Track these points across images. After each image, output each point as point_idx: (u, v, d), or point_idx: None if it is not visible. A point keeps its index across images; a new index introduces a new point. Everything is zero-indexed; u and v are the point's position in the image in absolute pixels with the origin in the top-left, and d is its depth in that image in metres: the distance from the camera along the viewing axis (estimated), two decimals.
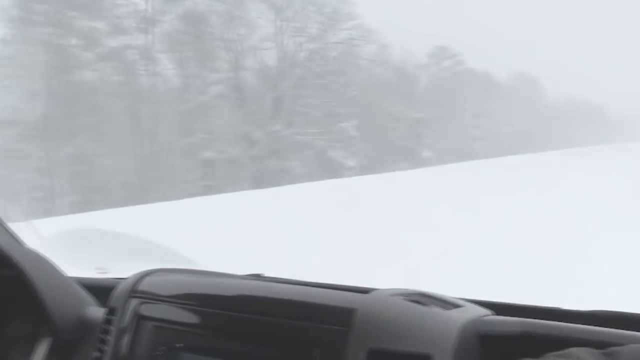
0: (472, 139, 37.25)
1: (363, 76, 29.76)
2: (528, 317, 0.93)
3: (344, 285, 1.07)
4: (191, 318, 0.99)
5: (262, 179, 22.67)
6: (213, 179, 20.84)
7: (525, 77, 50.41)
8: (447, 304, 0.98)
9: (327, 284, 1.09)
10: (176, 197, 18.71)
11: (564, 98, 59.11)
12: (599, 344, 0.81)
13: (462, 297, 1.04)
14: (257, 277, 1.19)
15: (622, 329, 0.87)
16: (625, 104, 69.83)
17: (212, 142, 20.95)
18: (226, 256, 5.11)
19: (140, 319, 1.04)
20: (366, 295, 0.95)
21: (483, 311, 0.99)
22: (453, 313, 0.94)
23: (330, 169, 25.12)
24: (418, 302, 0.93)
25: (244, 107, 22.81)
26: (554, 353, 0.80)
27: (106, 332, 1.06)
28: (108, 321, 1.07)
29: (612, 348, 0.79)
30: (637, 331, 0.86)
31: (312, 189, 19.46)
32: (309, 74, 24.62)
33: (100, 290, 1.22)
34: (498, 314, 0.99)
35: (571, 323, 0.91)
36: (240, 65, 23.29)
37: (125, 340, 1.03)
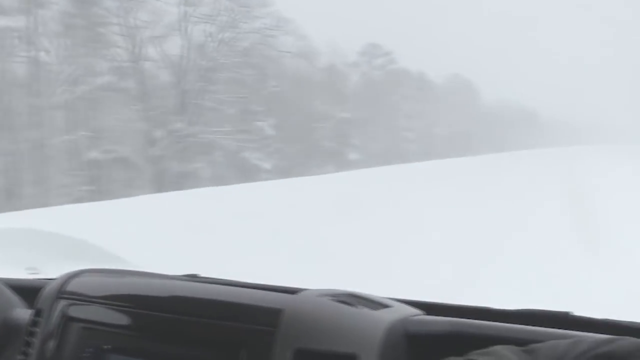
0: (404, 141, 35.70)
1: (284, 71, 27.55)
2: (458, 317, 0.96)
3: (273, 286, 1.09)
4: (120, 319, 0.99)
5: (162, 183, 20.04)
6: (99, 182, 18.06)
7: (461, 80, 49.71)
8: (376, 304, 0.99)
9: (257, 284, 1.10)
10: (52, 203, 15.84)
11: (500, 102, 59.15)
12: (521, 342, 0.85)
13: (394, 297, 1.07)
14: (193, 277, 1.18)
15: (546, 327, 0.92)
16: (558, 111, 71.44)
17: (99, 140, 18.17)
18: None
19: (67, 320, 1.03)
20: (294, 295, 0.96)
21: (412, 311, 1.02)
22: (380, 313, 0.95)
23: (244, 172, 22.73)
24: (346, 303, 0.94)
25: (142, 101, 20.12)
26: (478, 351, 0.83)
27: (32, 334, 1.05)
28: (34, 323, 1.06)
29: (533, 345, 0.84)
30: (559, 328, 0.91)
31: (220, 193, 17.20)
32: (219, 66, 22.16)
33: (28, 291, 1.18)
34: (429, 314, 1.02)
35: (499, 322, 0.95)
36: (138, 54, 20.57)
37: (52, 342, 1.03)
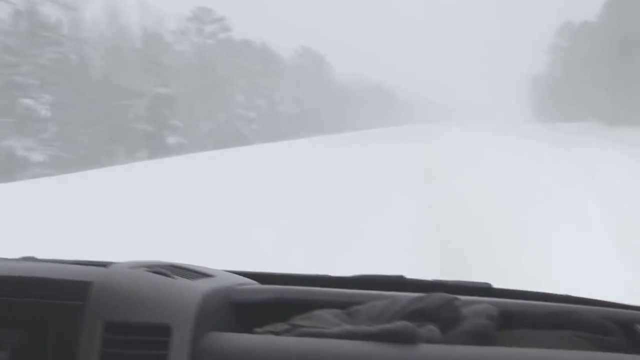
0: (242, 121, 31.06)
1: (75, 34, 21.53)
2: (290, 285, 1.00)
3: (87, 261, 1.05)
4: None
5: None
6: None
7: (311, 54, 46.10)
8: (197, 274, 0.98)
9: (75, 260, 1.06)
10: None
11: (354, 79, 56.85)
12: (344, 304, 0.92)
13: (231, 270, 1.06)
14: (29, 259, 1.12)
15: (376, 290, 0.98)
16: (414, 89, 71.75)
17: None
18: None
19: None
20: (104, 268, 0.93)
21: (238, 280, 1.01)
22: (198, 283, 0.93)
23: (6, 167, 16.71)
24: (161, 273, 0.92)
25: None
26: (300, 316, 0.88)
27: None
28: None
29: (354, 307, 0.90)
30: (393, 291, 0.97)
31: None
32: None
33: None
34: (263, 284, 1.03)
35: (333, 288, 0.99)
36: None
37: None
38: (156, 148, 22.95)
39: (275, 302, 0.93)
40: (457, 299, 0.88)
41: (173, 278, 0.90)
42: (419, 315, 0.84)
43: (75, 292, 0.84)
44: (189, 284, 0.90)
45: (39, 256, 1.13)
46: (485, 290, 1.01)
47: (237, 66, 32.36)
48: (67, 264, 0.98)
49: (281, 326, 0.85)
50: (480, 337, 0.83)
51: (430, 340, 0.80)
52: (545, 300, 0.98)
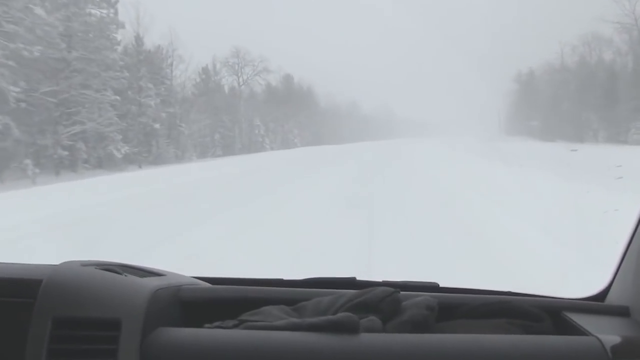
0: None
1: None
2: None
3: (41, 264, 1.04)
4: None
5: None
6: None
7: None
8: (147, 273, 1.00)
9: (30, 264, 1.05)
10: None
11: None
12: (291, 302, 0.97)
13: (196, 276, 1.09)
14: None
15: (326, 289, 1.02)
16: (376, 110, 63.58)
17: None
18: None
19: None
20: (55, 266, 0.94)
21: (188, 280, 1.05)
22: (148, 280, 0.95)
23: None
24: (112, 271, 0.93)
25: None
26: (249, 312, 0.92)
27: None
28: None
29: (302, 303, 0.95)
30: (332, 289, 1.01)
31: None
32: None
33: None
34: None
35: (285, 287, 1.04)
36: None
37: None
38: None
39: (225, 301, 0.95)
40: (398, 292, 0.91)
41: (123, 275, 0.90)
42: (362, 307, 0.87)
43: (25, 290, 0.84)
44: (139, 281, 0.90)
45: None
46: (432, 288, 1.05)
47: None
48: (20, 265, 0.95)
49: (230, 322, 0.87)
50: (419, 326, 0.86)
51: (371, 330, 0.83)
52: (487, 295, 1.01)
